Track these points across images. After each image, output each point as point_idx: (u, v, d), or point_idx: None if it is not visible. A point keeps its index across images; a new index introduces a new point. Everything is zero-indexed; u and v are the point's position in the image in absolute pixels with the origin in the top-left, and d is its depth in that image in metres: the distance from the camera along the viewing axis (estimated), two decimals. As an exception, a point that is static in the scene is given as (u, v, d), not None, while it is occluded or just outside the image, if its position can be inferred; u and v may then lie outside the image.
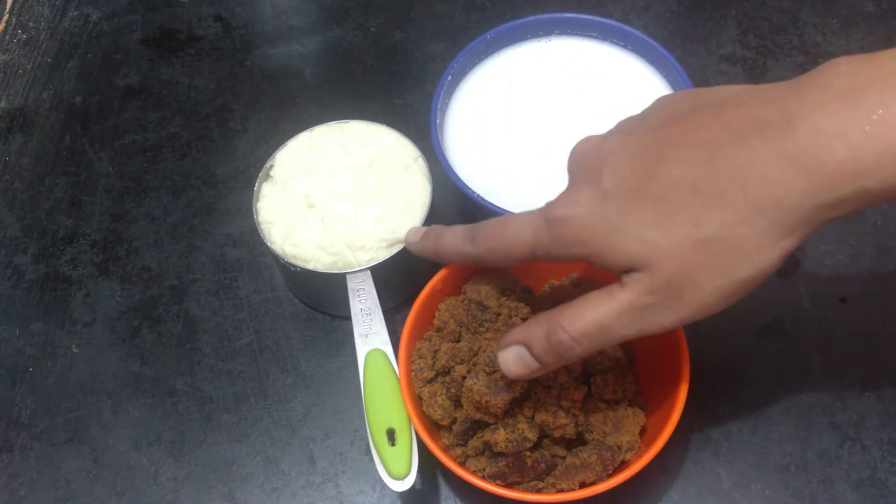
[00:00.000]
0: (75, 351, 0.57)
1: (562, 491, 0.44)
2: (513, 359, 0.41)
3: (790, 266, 0.56)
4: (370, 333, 0.49)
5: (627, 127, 0.40)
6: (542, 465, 0.44)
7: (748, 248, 0.35)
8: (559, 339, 0.39)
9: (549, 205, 0.39)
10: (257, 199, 0.54)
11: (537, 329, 0.40)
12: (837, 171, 0.33)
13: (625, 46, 0.58)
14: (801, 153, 0.33)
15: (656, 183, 0.36)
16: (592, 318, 0.38)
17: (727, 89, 0.37)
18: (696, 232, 0.35)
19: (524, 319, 0.46)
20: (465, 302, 0.48)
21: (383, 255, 0.51)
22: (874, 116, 0.32)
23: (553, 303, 0.42)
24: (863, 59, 0.34)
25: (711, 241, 0.35)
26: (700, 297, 0.36)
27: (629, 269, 0.37)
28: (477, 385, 0.43)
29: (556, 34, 0.59)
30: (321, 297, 0.56)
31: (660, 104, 0.40)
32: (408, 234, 0.50)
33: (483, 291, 0.48)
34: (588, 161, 0.39)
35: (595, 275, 0.50)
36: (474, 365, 0.45)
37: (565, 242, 0.38)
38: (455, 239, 0.45)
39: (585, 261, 0.38)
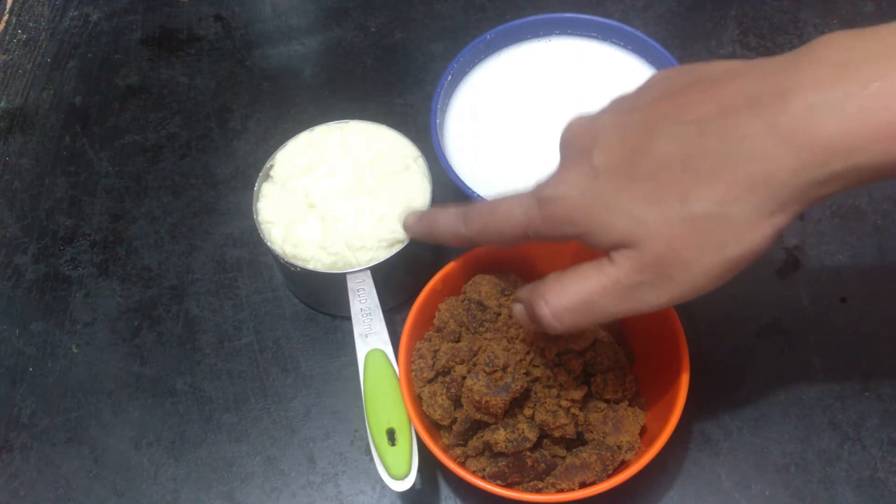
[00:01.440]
0: (75, 351, 0.57)
1: (562, 491, 0.44)
2: (518, 314, 0.42)
3: (790, 266, 0.56)
4: (370, 333, 0.49)
5: (619, 104, 0.39)
6: (542, 465, 0.44)
7: (738, 226, 0.34)
8: (540, 313, 0.39)
9: (540, 184, 0.39)
10: (257, 199, 0.54)
11: (525, 295, 0.41)
12: (829, 147, 0.31)
13: (625, 46, 0.58)
14: (793, 128, 0.32)
15: (647, 160, 0.35)
16: (577, 294, 0.37)
17: (721, 64, 0.36)
18: (685, 209, 0.34)
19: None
20: (465, 302, 0.48)
21: (383, 255, 0.51)
22: (868, 91, 0.31)
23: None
24: (858, 34, 0.33)
25: (701, 218, 0.34)
26: (690, 277, 0.35)
27: (619, 247, 0.36)
28: (477, 385, 0.43)
29: (556, 34, 0.59)
30: (321, 297, 0.56)
31: (654, 81, 0.39)
32: (406, 217, 0.50)
33: (483, 291, 0.48)
34: (579, 140, 0.38)
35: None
36: (474, 365, 0.45)
37: (556, 222, 0.38)
38: (449, 220, 0.45)
39: (577, 240, 0.37)
